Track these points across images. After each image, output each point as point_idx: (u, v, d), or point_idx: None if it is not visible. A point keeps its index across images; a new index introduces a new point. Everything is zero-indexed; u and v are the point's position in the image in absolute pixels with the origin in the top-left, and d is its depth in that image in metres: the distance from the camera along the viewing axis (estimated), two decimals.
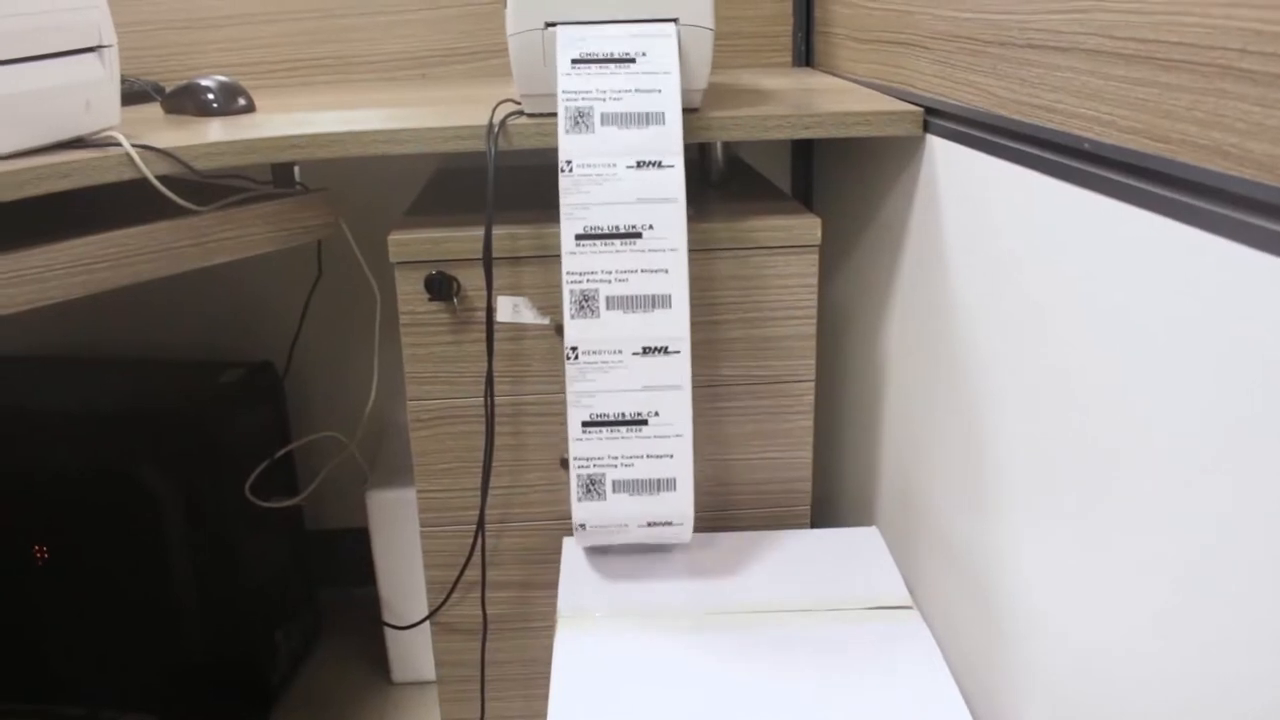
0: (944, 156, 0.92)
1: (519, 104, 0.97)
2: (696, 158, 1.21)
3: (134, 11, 1.35)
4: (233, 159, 0.92)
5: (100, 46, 0.89)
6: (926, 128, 0.97)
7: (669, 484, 0.91)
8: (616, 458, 0.89)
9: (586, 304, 0.88)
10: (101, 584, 1.28)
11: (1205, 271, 0.55)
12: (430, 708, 1.40)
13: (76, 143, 0.88)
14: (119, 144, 0.87)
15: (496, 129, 0.94)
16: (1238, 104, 0.53)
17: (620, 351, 0.88)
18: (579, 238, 0.87)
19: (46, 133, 0.86)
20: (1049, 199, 0.72)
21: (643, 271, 0.87)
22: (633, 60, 0.89)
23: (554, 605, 1.09)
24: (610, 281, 0.88)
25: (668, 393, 0.89)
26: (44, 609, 1.31)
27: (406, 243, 0.98)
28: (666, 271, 0.88)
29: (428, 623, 1.10)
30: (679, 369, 0.89)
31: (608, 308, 0.88)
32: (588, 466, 0.90)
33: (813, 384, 1.05)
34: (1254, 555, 0.52)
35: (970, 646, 0.91)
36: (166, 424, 1.26)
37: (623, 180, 0.87)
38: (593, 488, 0.90)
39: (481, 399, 1.02)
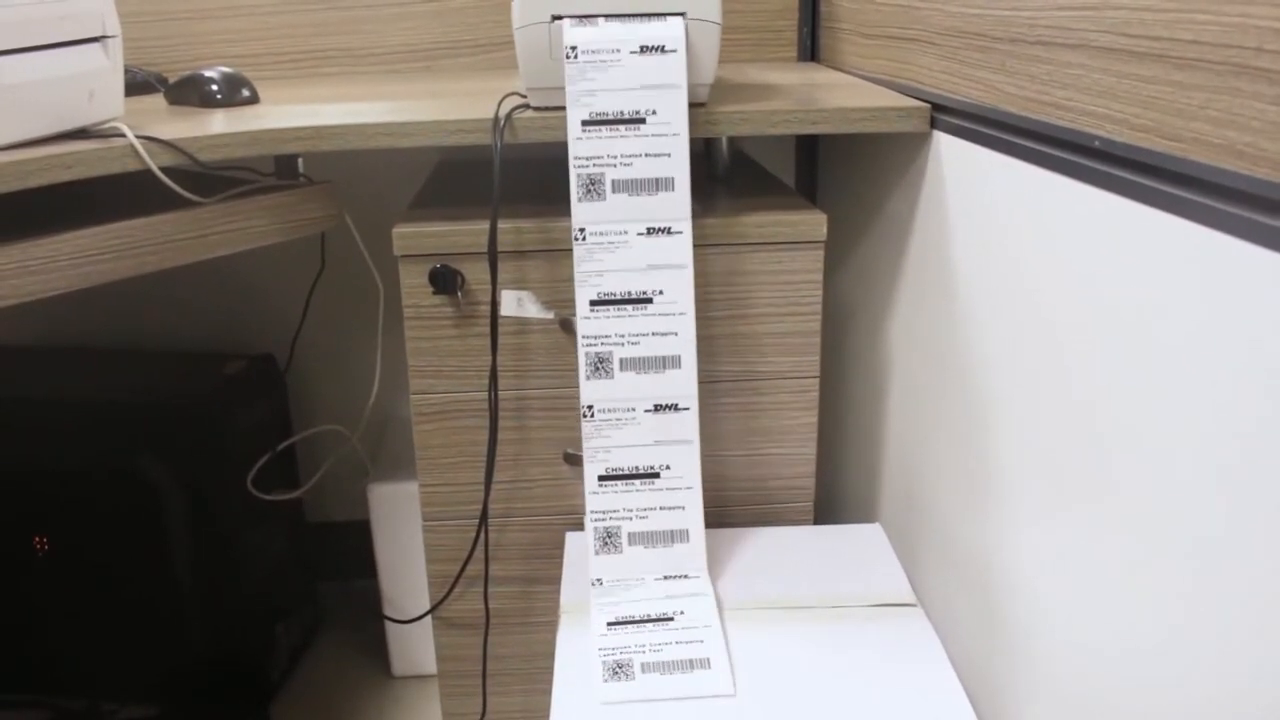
0: (951, 153, 0.92)
1: (524, 97, 0.96)
2: (701, 151, 1.20)
3: (137, 2, 1.35)
4: (236, 151, 0.92)
5: (104, 37, 0.89)
6: (933, 124, 0.96)
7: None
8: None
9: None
10: (102, 576, 1.28)
11: (1217, 271, 0.55)
12: (431, 702, 1.39)
13: (80, 133, 0.88)
14: (123, 135, 0.86)
15: (502, 122, 0.93)
16: (1252, 103, 0.53)
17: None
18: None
19: (50, 123, 0.85)
20: (1058, 196, 0.72)
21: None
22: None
23: (556, 600, 1.09)
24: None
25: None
26: (44, 600, 1.31)
27: (411, 236, 0.98)
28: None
29: (429, 617, 1.10)
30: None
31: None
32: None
33: (817, 380, 1.04)
34: (1258, 554, 0.52)
35: (974, 644, 0.91)
36: (168, 416, 1.26)
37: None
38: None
39: (485, 393, 1.02)
